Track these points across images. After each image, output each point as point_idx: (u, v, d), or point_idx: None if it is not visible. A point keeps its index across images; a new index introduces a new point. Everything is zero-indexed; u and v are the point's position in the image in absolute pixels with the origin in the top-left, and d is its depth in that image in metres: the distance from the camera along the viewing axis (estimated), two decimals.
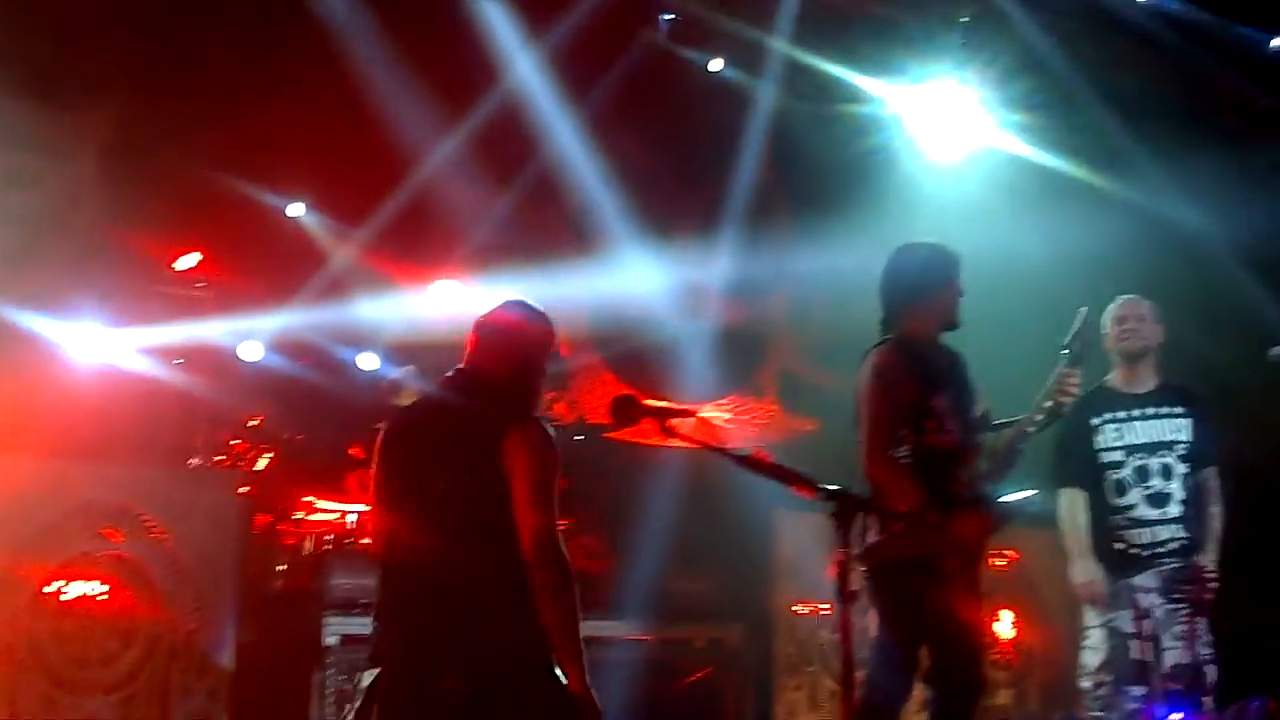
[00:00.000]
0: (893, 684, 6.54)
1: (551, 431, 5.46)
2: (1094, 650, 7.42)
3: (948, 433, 6.56)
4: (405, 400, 9.51)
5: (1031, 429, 6.68)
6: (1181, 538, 7.43)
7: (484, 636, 5.30)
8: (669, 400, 8.78)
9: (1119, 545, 7.44)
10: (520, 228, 10.70)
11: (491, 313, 5.73)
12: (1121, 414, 7.55)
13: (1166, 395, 7.62)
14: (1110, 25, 10.30)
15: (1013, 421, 6.71)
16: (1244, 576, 7.77)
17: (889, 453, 6.49)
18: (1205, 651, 7.34)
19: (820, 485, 5.03)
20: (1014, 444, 6.65)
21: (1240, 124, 10.87)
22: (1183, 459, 7.50)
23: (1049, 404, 6.67)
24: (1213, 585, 7.38)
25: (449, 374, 5.67)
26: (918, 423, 6.54)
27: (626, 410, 5.21)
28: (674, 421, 5.27)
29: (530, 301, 5.78)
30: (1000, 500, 6.76)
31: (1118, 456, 7.51)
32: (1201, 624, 7.35)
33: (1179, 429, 7.55)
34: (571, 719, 5.37)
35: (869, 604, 6.66)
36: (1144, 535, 7.42)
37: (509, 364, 5.59)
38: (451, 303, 10.48)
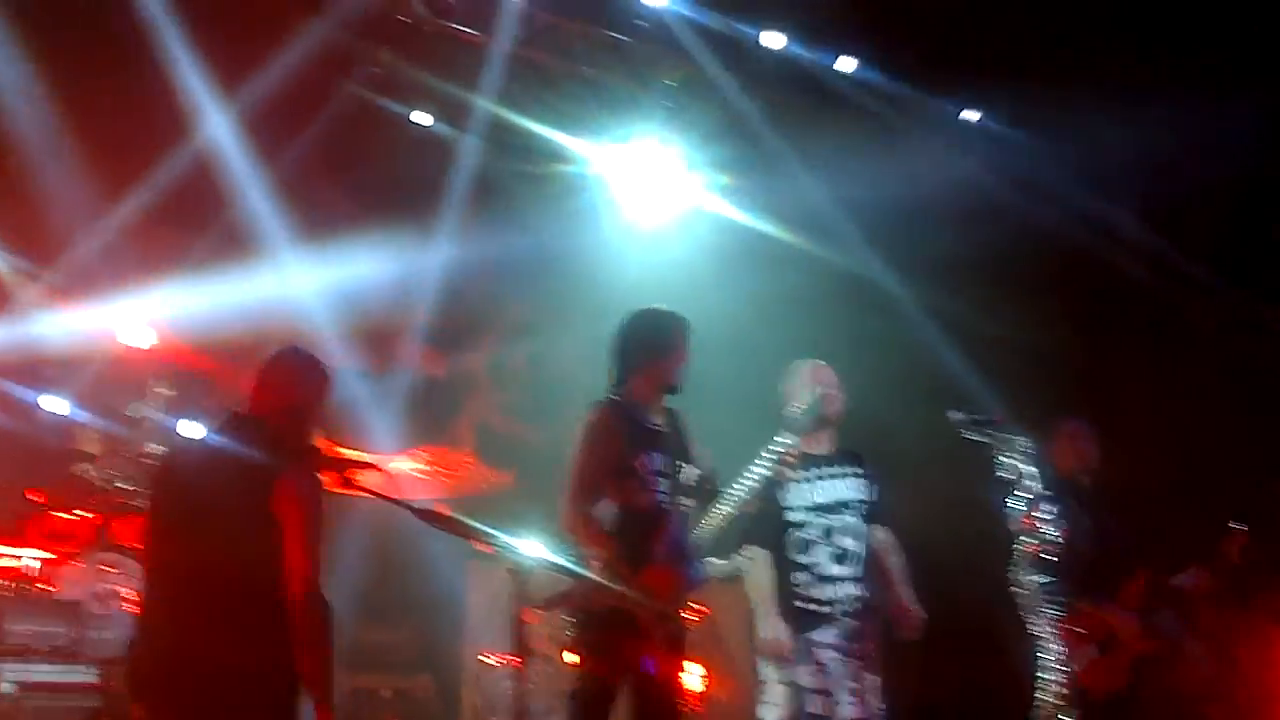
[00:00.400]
0: None
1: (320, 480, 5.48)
2: (773, 706, 7.46)
3: (651, 492, 6.72)
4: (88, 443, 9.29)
5: (743, 492, 6.93)
6: (861, 595, 7.56)
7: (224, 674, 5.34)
8: (358, 450, 8.76)
9: (803, 602, 7.52)
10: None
11: (271, 359, 5.80)
12: (803, 474, 7.65)
13: (844, 457, 7.78)
14: (810, 91, 10.53)
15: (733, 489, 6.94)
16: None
17: (583, 507, 6.62)
18: (878, 705, 7.49)
19: (497, 539, 5.04)
20: (724, 504, 6.91)
21: (938, 191, 11.21)
22: (863, 517, 7.66)
23: (762, 469, 6.91)
24: (915, 623, 7.59)
25: (226, 417, 5.71)
26: (621, 481, 6.68)
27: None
28: (354, 472, 5.21)
29: (307, 351, 5.88)
30: (704, 561, 6.94)
31: (801, 516, 7.62)
32: (872, 679, 7.50)
33: (858, 488, 7.71)
34: None
35: (574, 651, 6.79)
36: (827, 591, 7.50)
37: (284, 409, 5.64)
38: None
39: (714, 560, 6.97)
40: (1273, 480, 9.98)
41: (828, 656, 7.38)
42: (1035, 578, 7.50)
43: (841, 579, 7.53)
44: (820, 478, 7.62)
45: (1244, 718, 10.24)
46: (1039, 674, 7.46)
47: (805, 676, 7.33)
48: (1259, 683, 10.31)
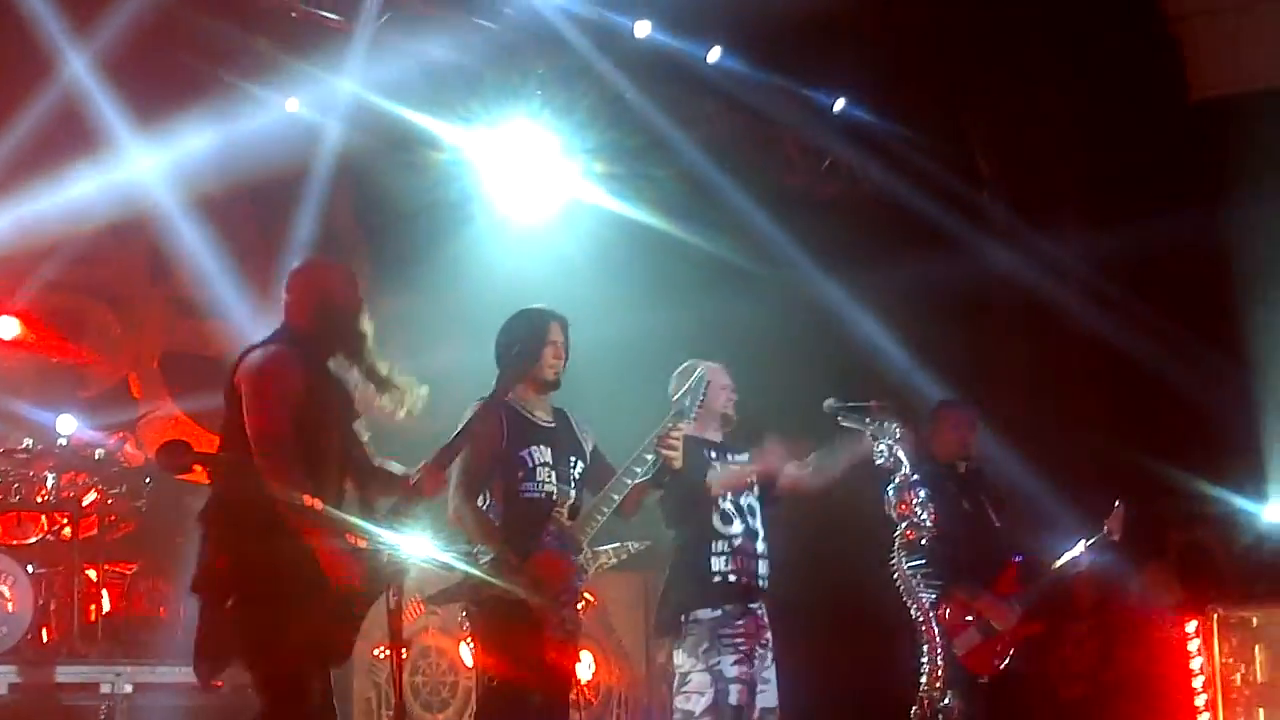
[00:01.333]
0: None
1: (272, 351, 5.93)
2: (698, 695, 7.32)
3: (539, 484, 6.87)
4: None
5: (630, 479, 6.91)
6: (768, 574, 7.56)
7: None
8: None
9: (722, 576, 7.41)
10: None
11: (290, 274, 6.26)
12: (713, 455, 7.61)
13: (739, 440, 7.76)
14: (684, 80, 10.54)
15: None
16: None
17: (471, 500, 6.76)
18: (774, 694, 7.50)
19: (376, 535, 5.01)
20: (612, 493, 6.90)
21: (807, 182, 11.29)
22: (759, 499, 7.64)
23: (650, 455, 6.93)
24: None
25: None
26: (506, 474, 6.84)
27: (175, 456, 5.04)
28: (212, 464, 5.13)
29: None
30: (602, 547, 6.94)
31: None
32: (773, 668, 7.51)
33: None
34: None
35: (473, 644, 6.93)
36: (749, 565, 7.47)
37: (306, 311, 6.09)
38: None
39: (603, 548, 6.94)
40: (1151, 461, 10.19)
41: (750, 646, 7.37)
42: (912, 563, 7.59)
43: (759, 555, 7.51)
44: (722, 461, 7.59)
45: (1126, 699, 10.41)
46: (920, 658, 7.53)
47: (729, 666, 7.30)
48: (1139, 664, 10.48)
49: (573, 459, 7.03)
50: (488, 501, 6.87)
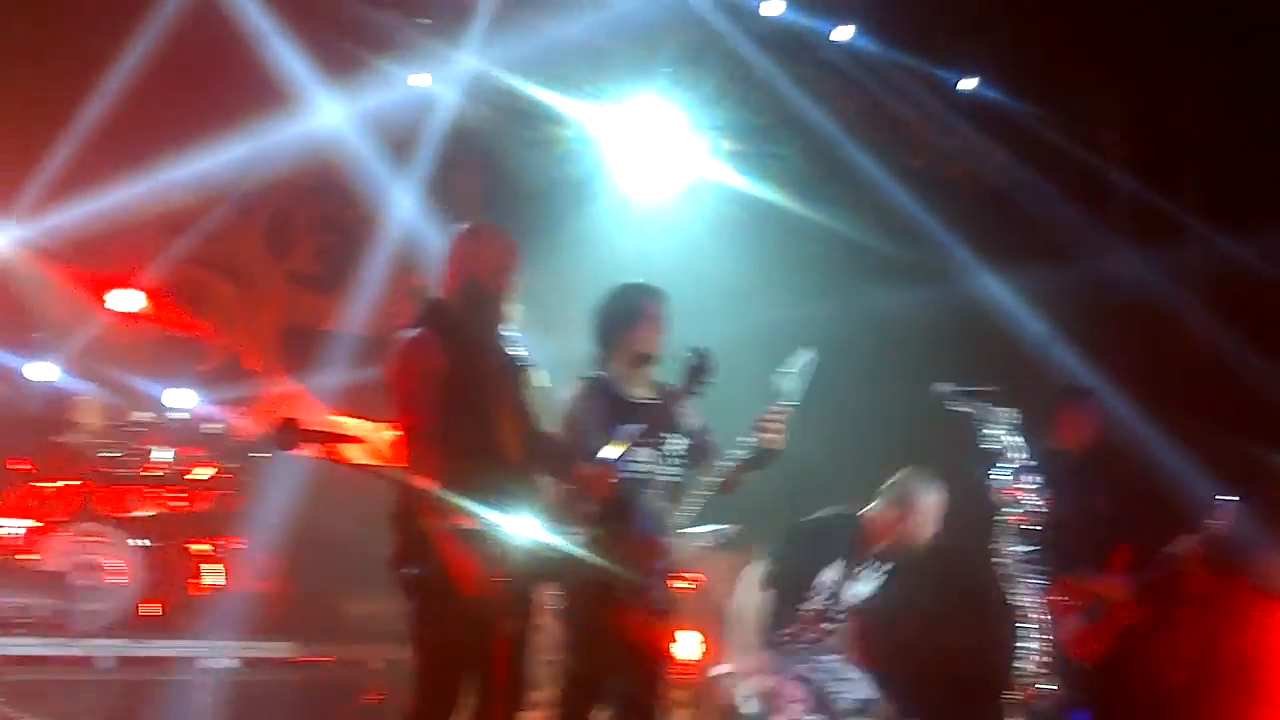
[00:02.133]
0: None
1: (412, 335, 5.97)
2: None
3: (633, 463, 6.69)
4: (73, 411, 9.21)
5: (731, 461, 6.84)
6: None
7: None
8: (358, 418, 8.68)
9: None
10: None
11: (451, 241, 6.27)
12: None
13: None
14: (812, 58, 10.46)
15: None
16: None
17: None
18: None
19: (482, 515, 5.01)
20: (712, 475, 6.84)
21: (931, 163, 11.16)
22: None
23: (752, 438, 6.82)
24: None
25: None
26: None
27: (286, 435, 5.07)
28: (341, 446, 5.16)
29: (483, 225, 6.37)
30: (690, 531, 6.93)
31: None
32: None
33: None
34: None
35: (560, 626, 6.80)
36: None
37: (455, 285, 6.12)
38: None
39: (698, 530, 6.91)
40: (1264, 449, 9.99)
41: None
42: (1019, 548, 7.50)
43: None
44: None
45: (1231, 687, 10.23)
46: (1021, 643, 7.45)
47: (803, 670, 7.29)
48: (1246, 651, 10.30)
49: (670, 434, 6.88)
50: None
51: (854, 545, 7.50)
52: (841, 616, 7.51)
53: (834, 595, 7.47)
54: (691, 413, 7.01)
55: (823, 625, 7.46)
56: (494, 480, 5.82)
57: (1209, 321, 10.79)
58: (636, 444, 6.68)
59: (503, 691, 6.12)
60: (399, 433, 5.85)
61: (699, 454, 6.98)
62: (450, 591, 5.84)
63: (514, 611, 5.99)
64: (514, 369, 6.24)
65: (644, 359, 6.89)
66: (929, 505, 7.56)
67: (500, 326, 6.21)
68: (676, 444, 6.89)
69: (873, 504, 7.53)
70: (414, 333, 6.07)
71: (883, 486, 7.28)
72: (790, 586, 7.45)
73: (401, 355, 6.01)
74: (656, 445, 6.80)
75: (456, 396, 5.94)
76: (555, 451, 6.39)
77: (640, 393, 6.89)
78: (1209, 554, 8.92)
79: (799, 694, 7.27)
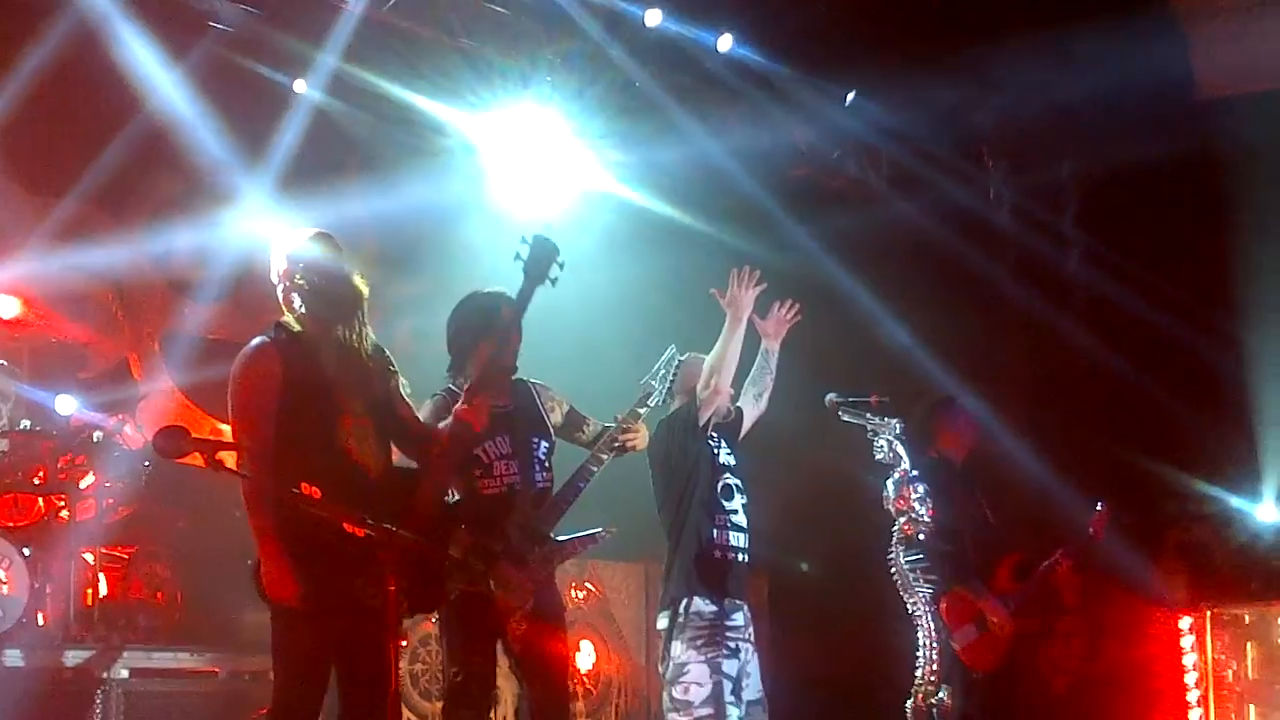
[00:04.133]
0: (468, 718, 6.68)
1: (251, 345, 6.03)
2: (698, 686, 7.25)
3: (497, 478, 6.76)
4: None
5: (596, 467, 6.88)
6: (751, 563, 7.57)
7: None
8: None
9: (721, 551, 7.39)
10: None
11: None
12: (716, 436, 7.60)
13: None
14: (694, 69, 10.52)
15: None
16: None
17: (439, 499, 6.57)
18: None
19: (368, 522, 5.01)
20: (578, 482, 6.84)
21: (815, 173, 11.28)
22: (740, 487, 7.64)
23: (616, 442, 6.91)
24: None
25: None
26: (465, 470, 6.71)
27: (173, 441, 5.03)
28: (224, 454, 5.12)
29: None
30: (567, 537, 6.87)
31: (726, 468, 7.58)
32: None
33: (734, 455, 7.68)
34: None
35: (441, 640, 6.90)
36: (740, 540, 7.48)
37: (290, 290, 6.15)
38: None
39: (569, 537, 6.89)
40: (1148, 461, 10.21)
41: (739, 640, 7.37)
42: (910, 557, 7.62)
43: (746, 530, 7.52)
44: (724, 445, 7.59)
45: (1115, 692, 10.44)
46: (916, 651, 7.56)
47: (727, 663, 7.28)
48: (1125, 658, 10.51)
49: (536, 439, 6.88)
50: (455, 497, 6.76)
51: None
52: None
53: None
54: (555, 404, 7.03)
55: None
56: (338, 487, 5.71)
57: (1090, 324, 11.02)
58: (505, 457, 6.74)
59: (365, 706, 6.05)
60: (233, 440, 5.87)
61: (574, 433, 7.04)
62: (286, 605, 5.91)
63: (369, 622, 5.74)
64: (366, 367, 6.22)
65: (501, 368, 6.70)
66: (695, 370, 7.54)
67: (348, 316, 6.17)
68: (541, 446, 6.88)
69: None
70: (254, 342, 6.10)
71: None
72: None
73: (238, 364, 6.06)
74: (519, 455, 6.79)
75: (293, 402, 5.98)
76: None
77: (501, 402, 6.73)
78: (1082, 563, 9.10)
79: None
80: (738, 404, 7.69)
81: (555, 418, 7.06)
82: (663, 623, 7.46)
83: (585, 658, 10.44)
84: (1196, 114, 10.89)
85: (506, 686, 7.32)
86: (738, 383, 7.63)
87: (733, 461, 7.59)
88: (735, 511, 7.49)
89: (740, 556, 7.46)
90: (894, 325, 10.80)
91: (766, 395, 7.77)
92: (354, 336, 6.18)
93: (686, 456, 7.48)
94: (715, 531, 7.41)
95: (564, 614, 7.10)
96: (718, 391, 7.41)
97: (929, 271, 10.81)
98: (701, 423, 7.46)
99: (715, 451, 7.54)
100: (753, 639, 7.49)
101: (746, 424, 7.74)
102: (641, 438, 7.06)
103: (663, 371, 7.12)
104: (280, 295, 6.21)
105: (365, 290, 6.26)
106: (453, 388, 6.84)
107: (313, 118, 10.18)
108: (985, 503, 8.68)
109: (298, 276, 6.14)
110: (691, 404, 7.48)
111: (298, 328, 6.15)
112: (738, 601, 7.42)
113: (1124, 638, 10.66)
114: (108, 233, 10.53)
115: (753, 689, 7.42)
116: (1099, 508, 8.89)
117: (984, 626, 8.30)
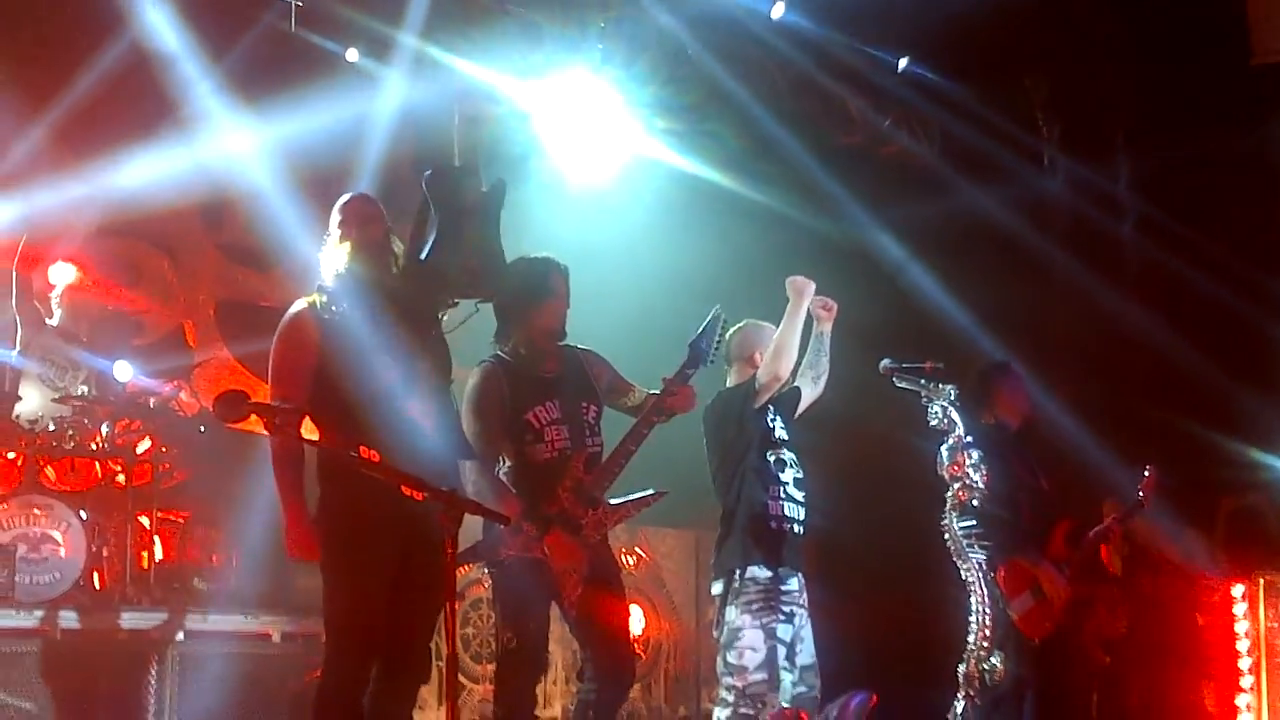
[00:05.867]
0: (522, 683, 6.77)
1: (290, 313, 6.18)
2: (753, 651, 7.32)
3: (548, 444, 6.80)
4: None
5: (648, 430, 6.90)
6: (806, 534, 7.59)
7: None
8: None
9: (777, 522, 7.43)
10: None
11: None
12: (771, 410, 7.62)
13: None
14: (745, 37, 10.49)
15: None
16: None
17: (488, 470, 6.69)
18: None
19: (429, 486, 5.05)
20: (630, 444, 6.87)
21: (867, 140, 11.25)
22: (794, 460, 7.65)
23: (664, 404, 6.92)
24: None
25: None
26: (516, 437, 6.78)
27: (232, 406, 5.08)
28: (283, 420, 5.17)
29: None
30: (621, 500, 6.90)
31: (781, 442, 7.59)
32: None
33: (788, 430, 7.70)
34: None
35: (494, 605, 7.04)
36: (797, 512, 7.50)
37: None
38: None
39: (623, 500, 6.91)
40: (1202, 428, 10.17)
41: (794, 607, 7.40)
42: (964, 523, 7.61)
43: (802, 503, 7.55)
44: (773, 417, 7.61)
45: (1165, 661, 10.42)
46: (969, 617, 7.56)
47: (782, 628, 7.31)
48: (1180, 626, 10.48)
49: (585, 405, 6.94)
50: (504, 466, 6.83)
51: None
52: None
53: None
54: (603, 368, 7.08)
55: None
56: (395, 447, 5.89)
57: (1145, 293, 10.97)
58: (555, 422, 6.79)
59: (404, 664, 6.22)
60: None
61: (618, 399, 7.07)
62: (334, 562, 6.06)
63: (415, 583, 6.05)
64: (412, 322, 6.32)
65: (550, 335, 6.88)
66: (750, 338, 7.65)
67: (391, 284, 6.30)
68: (591, 410, 6.94)
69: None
70: (293, 310, 6.22)
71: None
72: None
73: (278, 332, 6.20)
74: (570, 420, 6.86)
75: (334, 365, 6.06)
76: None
77: (546, 367, 6.89)
78: (1129, 531, 9.07)
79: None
80: (795, 384, 7.71)
81: (602, 384, 7.11)
82: (717, 588, 7.52)
83: (635, 622, 10.50)
84: (1252, 78, 10.79)
85: (557, 651, 7.37)
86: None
87: (786, 435, 7.61)
88: (789, 483, 7.51)
89: (795, 528, 7.49)
90: (944, 293, 10.75)
91: (824, 380, 7.77)
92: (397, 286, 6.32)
93: (742, 434, 7.52)
94: (770, 503, 7.44)
95: (620, 576, 7.16)
96: (777, 379, 7.44)
97: (980, 239, 10.77)
98: (758, 406, 7.48)
99: (770, 425, 7.55)
100: (806, 604, 7.52)
101: (803, 405, 7.75)
102: (687, 400, 7.05)
103: (708, 332, 7.11)
104: (325, 257, 6.32)
105: (399, 248, 6.41)
106: (501, 354, 6.90)
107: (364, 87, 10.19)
108: (1039, 469, 8.64)
109: (339, 236, 6.28)
110: (751, 384, 7.50)
111: (337, 287, 6.25)
112: (793, 570, 7.45)
113: (1175, 606, 10.63)
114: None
115: (806, 654, 7.46)
116: (1146, 472, 8.84)
117: (1039, 594, 8.28)
